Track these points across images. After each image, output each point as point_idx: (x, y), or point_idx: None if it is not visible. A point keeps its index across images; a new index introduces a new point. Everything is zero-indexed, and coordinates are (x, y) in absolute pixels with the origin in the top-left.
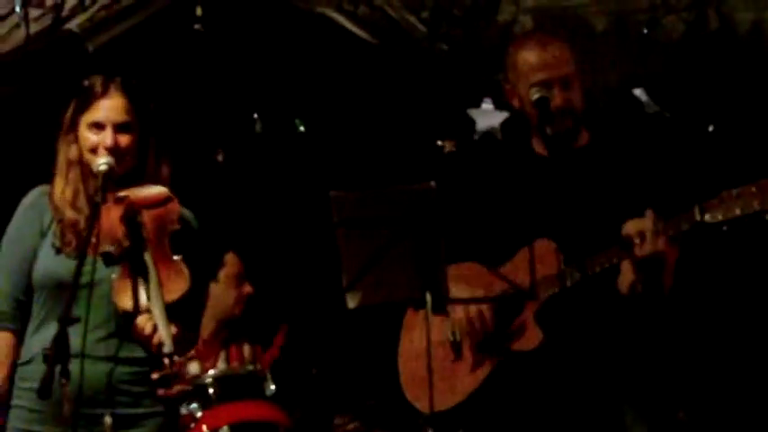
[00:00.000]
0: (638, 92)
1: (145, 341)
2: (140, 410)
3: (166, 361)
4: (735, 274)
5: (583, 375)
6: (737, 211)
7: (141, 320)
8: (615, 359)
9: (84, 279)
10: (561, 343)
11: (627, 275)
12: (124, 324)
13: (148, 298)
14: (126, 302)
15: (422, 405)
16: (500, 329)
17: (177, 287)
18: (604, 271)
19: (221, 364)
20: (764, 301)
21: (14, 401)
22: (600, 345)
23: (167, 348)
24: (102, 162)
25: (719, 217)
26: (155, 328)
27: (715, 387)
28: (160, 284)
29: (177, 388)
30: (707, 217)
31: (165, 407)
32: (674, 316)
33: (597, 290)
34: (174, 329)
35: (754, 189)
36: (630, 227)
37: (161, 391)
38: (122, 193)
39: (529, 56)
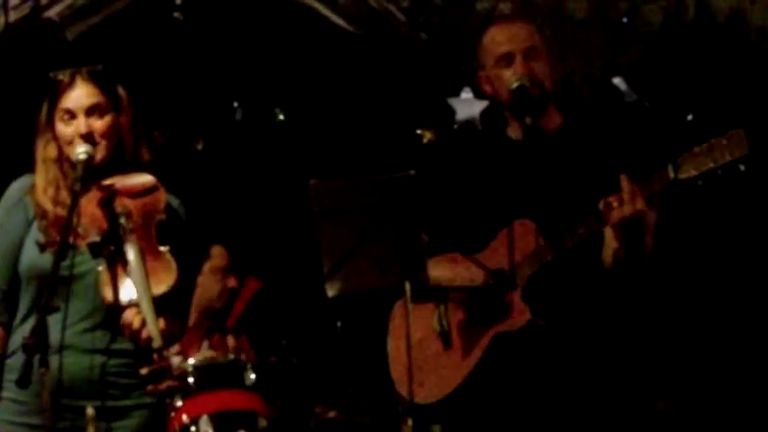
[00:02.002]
0: (617, 80)
1: (133, 336)
2: (129, 402)
3: (155, 356)
4: (714, 240)
5: (568, 362)
6: (711, 164)
7: (129, 315)
8: (601, 336)
9: (68, 271)
10: (548, 321)
11: (610, 244)
12: (111, 316)
13: (136, 291)
14: (112, 295)
15: (418, 398)
16: (487, 312)
17: (164, 280)
18: (582, 243)
19: (203, 354)
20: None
21: (3, 394)
22: (585, 322)
23: (156, 344)
24: (80, 151)
25: (693, 171)
26: (143, 323)
27: (699, 377)
28: (147, 277)
29: (167, 383)
30: (681, 173)
31: (153, 399)
32: (655, 287)
33: (581, 264)
34: (162, 324)
35: (724, 141)
36: (608, 196)
37: (150, 387)
38: (107, 182)
39: (494, 33)
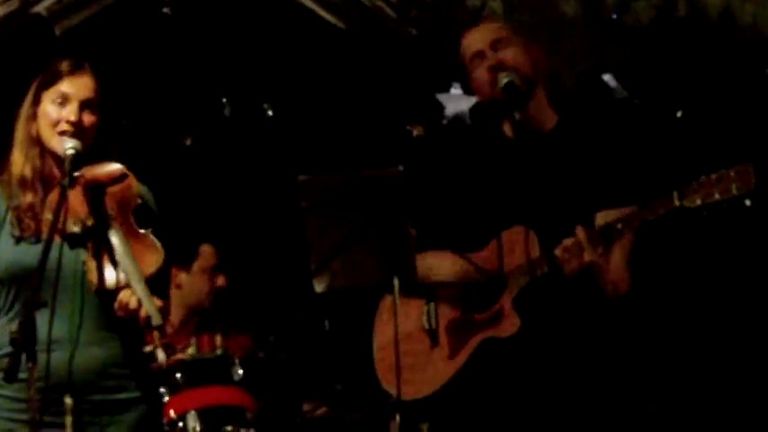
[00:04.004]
0: (607, 77)
1: (130, 316)
2: (127, 395)
3: (157, 333)
4: (711, 260)
5: (559, 363)
6: (716, 196)
7: (124, 296)
8: (591, 347)
9: (52, 264)
10: (538, 330)
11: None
12: (102, 305)
13: (127, 273)
14: (103, 281)
15: (402, 393)
16: (477, 316)
17: (152, 261)
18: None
19: (190, 351)
20: (740, 289)
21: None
22: (576, 332)
23: (156, 321)
24: (69, 146)
25: (698, 201)
26: (140, 303)
27: (688, 377)
28: (135, 259)
29: (174, 358)
30: (686, 201)
31: (146, 392)
32: (650, 303)
33: (575, 279)
34: (158, 302)
35: (732, 173)
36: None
37: (154, 365)
38: (75, 174)
39: (464, 39)
